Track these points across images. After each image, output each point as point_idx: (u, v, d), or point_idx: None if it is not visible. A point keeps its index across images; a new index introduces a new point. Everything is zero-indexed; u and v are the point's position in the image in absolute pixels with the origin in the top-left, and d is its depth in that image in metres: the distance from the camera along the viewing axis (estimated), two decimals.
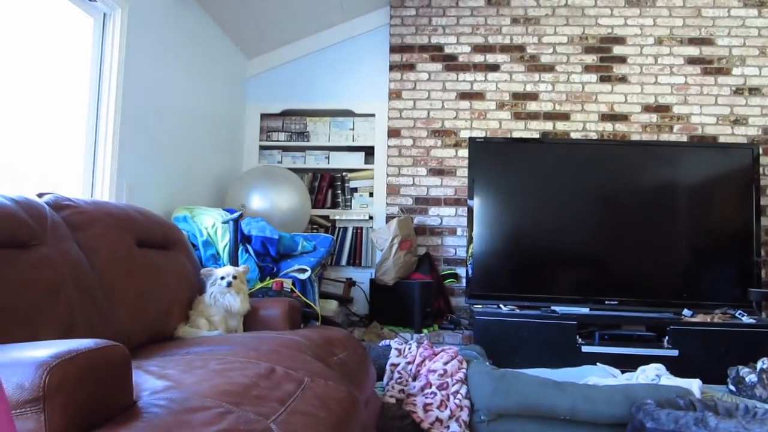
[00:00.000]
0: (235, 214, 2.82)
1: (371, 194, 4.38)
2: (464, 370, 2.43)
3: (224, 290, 2.19)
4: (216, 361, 1.46)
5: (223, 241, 2.95)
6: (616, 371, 2.87)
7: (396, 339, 3.00)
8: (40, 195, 1.95)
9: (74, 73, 2.60)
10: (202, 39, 3.69)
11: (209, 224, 2.99)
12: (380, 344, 2.80)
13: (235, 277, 2.21)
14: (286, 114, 4.51)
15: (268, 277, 2.97)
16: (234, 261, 2.80)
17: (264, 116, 4.52)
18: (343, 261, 4.26)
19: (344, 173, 4.44)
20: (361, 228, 4.32)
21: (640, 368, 2.74)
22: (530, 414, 2.25)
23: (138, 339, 1.93)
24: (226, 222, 2.93)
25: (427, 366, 2.46)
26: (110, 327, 1.79)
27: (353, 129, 4.47)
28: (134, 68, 2.84)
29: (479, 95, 4.34)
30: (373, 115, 4.43)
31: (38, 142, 2.38)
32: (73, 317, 1.63)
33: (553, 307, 3.50)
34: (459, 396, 2.31)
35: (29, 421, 0.93)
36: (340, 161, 4.43)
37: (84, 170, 2.63)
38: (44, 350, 1.00)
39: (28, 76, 2.31)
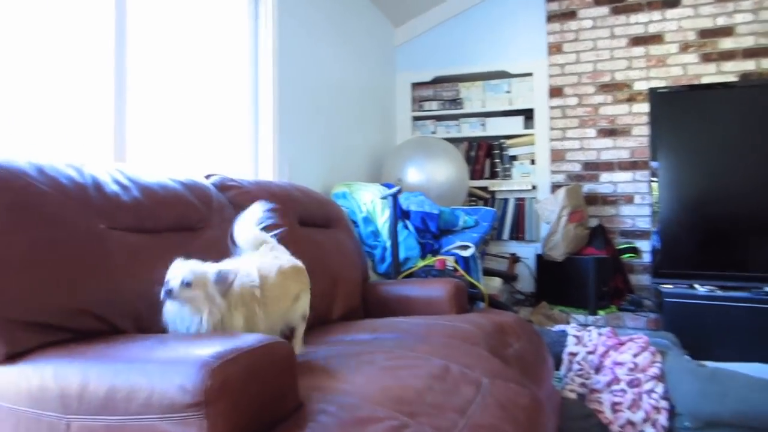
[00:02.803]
0: (393, 189, 2.70)
1: (533, 161, 4.04)
2: (659, 365, 2.08)
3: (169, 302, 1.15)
4: (384, 355, 1.32)
5: (382, 218, 2.86)
6: None
7: (573, 324, 2.70)
8: (208, 176, 1.97)
9: (235, 55, 2.62)
10: (349, 9, 3.60)
11: (368, 200, 2.91)
12: (554, 329, 2.53)
13: (189, 284, 1.12)
14: (437, 81, 4.30)
15: (430, 255, 2.82)
16: (393, 238, 2.69)
17: (415, 85, 4.35)
18: (505, 235, 3.99)
19: (502, 140, 4.13)
20: (524, 199, 4.01)
21: None
22: (752, 425, 1.84)
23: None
24: (384, 197, 2.82)
25: (612, 357, 2.15)
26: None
27: (509, 92, 4.14)
28: (287, 46, 2.82)
29: (656, 38, 3.74)
30: (530, 75, 4.05)
31: (209, 124, 2.44)
32: None
33: (766, 288, 2.93)
34: (654, 396, 1.97)
35: (191, 426, 0.85)
36: (496, 128, 4.13)
37: (248, 150, 2.67)
38: (206, 348, 0.92)
39: (195, 61, 2.36)
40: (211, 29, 2.48)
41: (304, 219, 2.13)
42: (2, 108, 1.63)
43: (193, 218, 1.62)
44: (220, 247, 1.63)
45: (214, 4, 2.50)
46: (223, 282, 1.14)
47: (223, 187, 1.91)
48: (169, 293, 1.11)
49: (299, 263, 1.48)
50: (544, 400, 1.37)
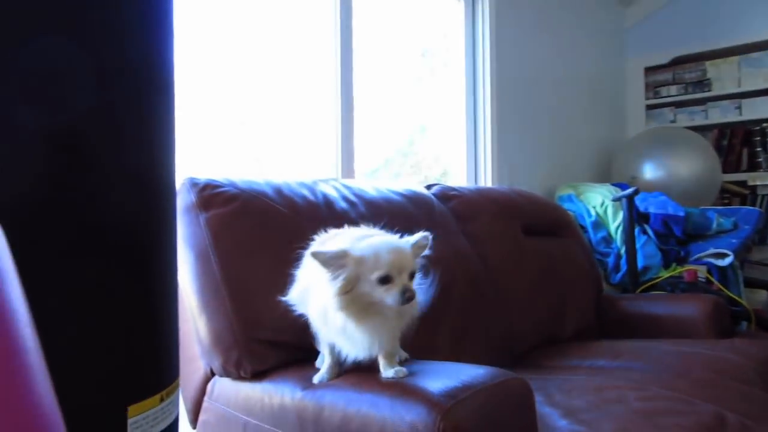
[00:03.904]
0: (629, 190, 2.39)
1: None
2: None
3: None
4: (635, 392, 1.13)
5: (615, 222, 2.56)
6: None
7: None
8: (428, 187, 1.94)
9: (452, 60, 2.59)
10: None
11: (598, 203, 2.64)
12: None
13: (413, 274, 0.89)
14: (677, 62, 3.75)
15: (675, 264, 2.44)
16: (630, 244, 2.38)
17: (648, 70, 3.86)
18: None
19: (765, 124, 3.44)
20: None
21: None
22: None
23: (531, 340, 1.74)
24: (617, 199, 2.53)
25: None
26: (502, 327, 1.65)
27: None
28: (504, 43, 2.68)
29: None
30: None
31: (426, 132, 2.44)
32: (466, 318, 1.53)
33: None
34: None
35: None
36: (757, 110, 3.46)
37: (466, 156, 2.61)
38: (437, 383, 0.86)
39: (410, 69, 2.38)
40: (428, 37, 2.48)
41: (529, 227, 1.99)
42: (246, 132, 1.80)
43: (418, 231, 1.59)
44: (445, 261, 1.58)
45: (430, 11, 2.49)
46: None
47: (444, 196, 1.86)
48: (410, 299, 0.84)
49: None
50: None
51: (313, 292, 0.91)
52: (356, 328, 0.85)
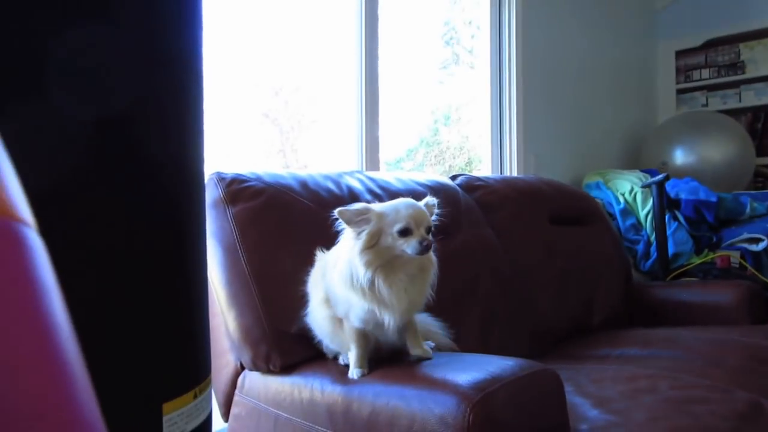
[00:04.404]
0: (659, 177, 2.34)
1: None
2: None
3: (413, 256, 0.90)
4: (667, 381, 1.11)
5: (644, 209, 2.51)
6: None
7: None
8: (454, 177, 1.93)
9: (478, 50, 2.56)
10: None
11: (626, 190, 2.60)
12: None
13: (430, 229, 0.92)
14: (709, 45, 3.64)
15: (707, 250, 2.39)
16: (660, 231, 2.34)
17: (680, 54, 3.76)
18: None
19: None
20: None
21: None
22: None
23: (559, 330, 1.73)
24: (646, 186, 2.48)
25: None
26: (529, 317, 1.64)
27: None
28: (531, 28, 2.63)
29: None
30: None
31: (458, 122, 2.43)
32: (492, 307, 1.52)
33: None
34: None
35: None
36: None
37: (492, 145, 2.58)
38: (465, 375, 0.86)
39: (433, 60, 2.36)
40: (452, 24, 2.45)
41: (556, 216, 1.97)
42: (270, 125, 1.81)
43: (445, 222, 1.58)
44: (471, 251, 1.57)
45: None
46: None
47: (469, 187, 1.85)
48: (428, 248, 0.88)
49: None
50: None
51: (335, 270, 0.93)
52: (384, 283, 0.89)
